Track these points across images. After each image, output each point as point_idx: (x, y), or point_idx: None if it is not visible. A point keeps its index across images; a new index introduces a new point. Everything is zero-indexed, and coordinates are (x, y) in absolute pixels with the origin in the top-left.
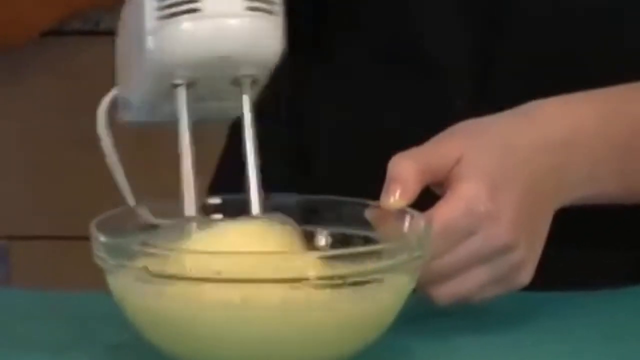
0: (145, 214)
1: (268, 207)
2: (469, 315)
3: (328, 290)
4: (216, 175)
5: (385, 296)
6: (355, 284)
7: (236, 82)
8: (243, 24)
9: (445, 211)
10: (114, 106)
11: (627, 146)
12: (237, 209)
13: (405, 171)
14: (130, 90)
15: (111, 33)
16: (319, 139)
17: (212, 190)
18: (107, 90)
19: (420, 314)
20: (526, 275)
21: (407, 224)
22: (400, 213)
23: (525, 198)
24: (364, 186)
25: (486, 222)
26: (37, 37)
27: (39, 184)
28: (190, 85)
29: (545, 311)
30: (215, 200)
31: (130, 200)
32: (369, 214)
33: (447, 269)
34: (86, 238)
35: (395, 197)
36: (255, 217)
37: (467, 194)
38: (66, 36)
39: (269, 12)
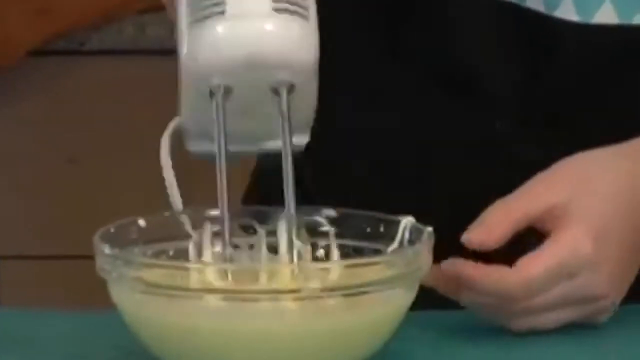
0: (187, 224)
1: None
2: (472, 333)
3: (324, 302)
4: (249, 187)
5: (381, 309)
6: (352, 295)
7: (276, 92)
8: (270, 24)
9: (549, 254)
10: (178, 134)
11: None
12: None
13: (495, 217)
14: (182, 111)
15: (96, 53)
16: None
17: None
18: (94, 109)
19: (420, 328)
20: (605, 317)
21: (406, 235)
22: (384, 221)
23: (626, 248)
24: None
25: (586, 271)
26: (23, 56)
27: (26, 203)
28: (227, 93)
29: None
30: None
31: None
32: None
33: (535, 308)
34: (76, 257)
35: (474, 235)
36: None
37: (573, 239)
38: (51, 56)
39: (299, 14)
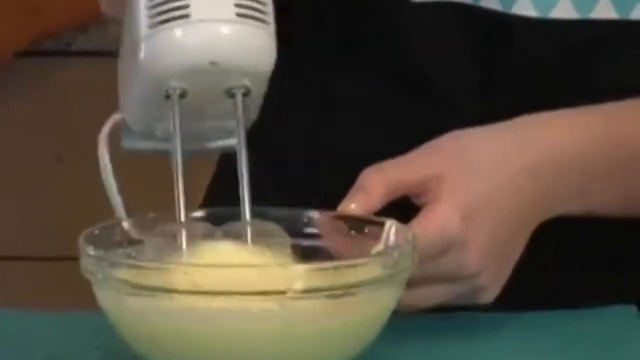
0: (134, 231)
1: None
2: (455, 332)
3: (310, 303)
4: (208, 192)
5: (368, 309)
6: (337, 296)
7: (230, 95)
8: (233, 30)
9: (417, 231)
10: (115, 132)
11: (621, 164)
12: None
13: (371, 183)
14: (127, 109)
15: (83, 54)
16: (312, 160)
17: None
18: (81, 110)
19: (406, 328)
20: (489, 296)
21: (392, 236)
22: (369, 222)
23: (503, 224)
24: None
25: (454, 248)
26: (10, 57)
27: (13, 203)
28: (182, 96)
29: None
30: (199, 214)
31: (124, 220)
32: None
33: (411, 280)
34: (66, 258)
35: (355, 205)
36: (249, 228)
37: (441, 217)
38: (38, 57)
39: (261, 20)
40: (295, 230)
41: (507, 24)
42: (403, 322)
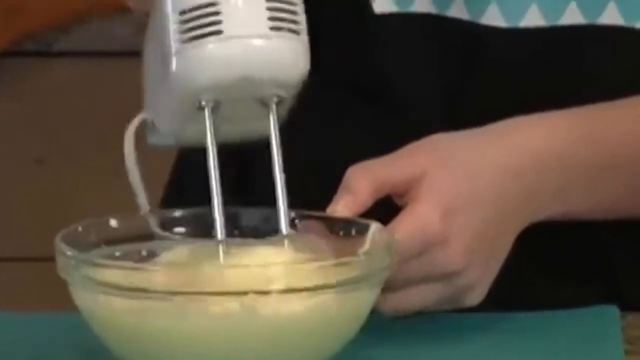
0: (153, 225)
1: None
2: (432, 328)
3: (295, 301)
4: (168, 189)
5: (347, 307)
6: (318, 295)
7: (262, 102)
8: (268, 45)
9: (402, 231)
10: (141, 129)
11: (602, 166)
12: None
13: (359, 184)
14: (157, 114)
15: (64, 54)
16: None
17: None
18: (62, 110)
19: (384, 325)
20: (476, 297)
21: (372, 236)
22: (356, 224)
23: (485, 223)
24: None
25: (436, 246)
26: None
27: (13, 188)
28: (215, 107)
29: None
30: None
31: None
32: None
33: (395, 283)
34: (47, 259)
35: (342, 206)
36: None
37: (422, 216)
38: (20, 57)
39: (294, 31)
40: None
41: (476, 35)
42: (388, 323)
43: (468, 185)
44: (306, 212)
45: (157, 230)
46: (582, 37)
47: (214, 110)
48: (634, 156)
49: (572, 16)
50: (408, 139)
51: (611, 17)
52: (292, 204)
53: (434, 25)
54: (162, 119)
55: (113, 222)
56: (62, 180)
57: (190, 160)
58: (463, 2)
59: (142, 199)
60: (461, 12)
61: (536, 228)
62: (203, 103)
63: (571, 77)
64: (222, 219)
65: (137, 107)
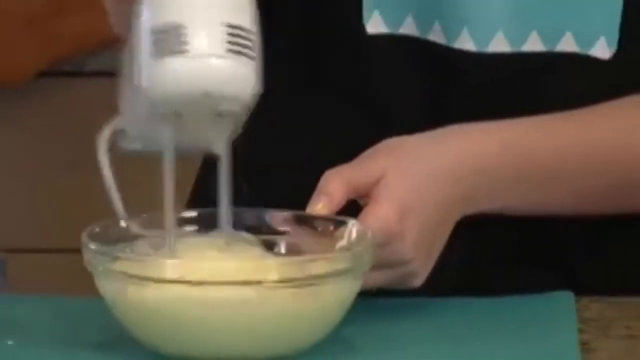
0: (134, 227)
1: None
2: (396, 312)
3: (283, 291)
4: (192, 195)
5: (331, 298)
6: (305, 286)
7: (218, 116)
8: (224, 64)
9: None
10: (114, 135)
11: (530, 169)
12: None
13: (333, 186)
14: (128, 121)
15: (94, 74)
16: (271, 173)
17: (190, 205)
18: (92, 123)
19: (363, 314)
20: (418, 282)
21: (354, 234)
22: (334, 221)
23: (430, 221)
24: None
25: (393, 240)
26: (32, 77)
27: (35, 202)
28: (177, 117)
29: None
30: (191, 214)
31: (122, 216)
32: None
33: None
34: (79, 250)
35: (321, 206)
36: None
37: (381, 214)
38: (56, 77)
39: (248, 55)
40: (268, 228)
41: (450, 57)
42: (365, 305)
43: (417, 189)
44: (292, 212)
45: (140, 231)
46: (542, 63)
47: (177, 119)
48: (566, 163)
49: (534, 43)
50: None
51: (568, 45)
52: (288, 201)
53: (417, 46)
54: (133, 126)
55: (129, 222)
56: (89, 183)
57: (213, 164)
58: (440, 27)
59: (117, 202)
60: (439, 37)
61: (496, 217)
62: (166, 113)
63: (533, 99)
64: (173, 214)
65: None
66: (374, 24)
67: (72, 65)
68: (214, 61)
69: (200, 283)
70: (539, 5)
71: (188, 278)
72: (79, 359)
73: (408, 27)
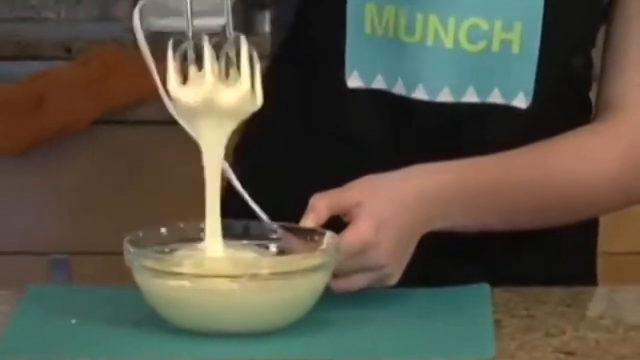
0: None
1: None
2: (370, 303)
3: (274, 281)
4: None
5: (309, 285)
6: (282, 278)
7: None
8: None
9: (347, 238)
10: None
11: (474, 199)
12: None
13: (320, 206)
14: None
15: (141, 122)
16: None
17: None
18: (138, 159)
19: (337, 300)
20: (392, 281)
21: (326, 240)
22: (318, 233)
23: (401, 234)
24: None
25: (371, 249)
26: (88, 124)
27: (93, 214)
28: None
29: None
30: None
31: (156, 79)
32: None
33: (343, 272)
34: (122, 253)
35: (310, 221)
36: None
37: (362, 229)
38: (108, 124)
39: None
40: (266, 236)
41: (409, 104)
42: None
43: (390, 209)
44: (287, 224)
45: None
46: (477, 110)
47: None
48: (505, 193)
49: (470, 96)
50: (362, 172)
51: (496, 97)
52: (285, 215)
53: (385, 96)
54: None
55: (162, 230)
56: (137, 202)
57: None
58: (402, 82)
59: (153, 70)
60: (401, 89)
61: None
62: None
63: (470, 135)
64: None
65: (193, 159)
66: (353, 80)
67: (121, 114)
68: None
69: (201, 276)
70: (475, 68)
71: (193, 273)
72: (122, 331)
73: (378, 83)
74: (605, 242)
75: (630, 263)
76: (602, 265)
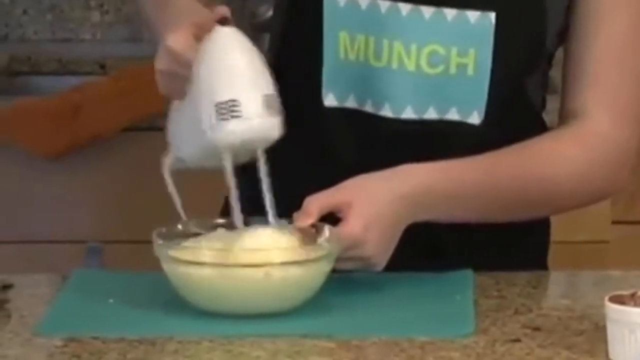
0: (191, 226)
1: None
2: (362, 288)
3: (290, 268)
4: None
5: (316, 273)
6: (296, 265)
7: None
8: (264, 122)
9: (340, 234)
10: (172, 159)
11: (452, 196)
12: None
13: (312, 206)
14: (187, 154)
15: (165, 129)
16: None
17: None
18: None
19: (337, 286)
20: (378, 269)
21: (327, 235)
22: (320, 228)
23: (387, 230)
24: None
25: (360, 243)
26: (117, 132)
27: (126, 206)
28: (230, 150)
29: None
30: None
31: (183, 216)
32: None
33: (337, 260)
34: (150, 242)
35: (303, 220)
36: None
37: (352, 228)
38: (135, 132)
39: (277, 113)
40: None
41: (377, 121)
42: (336, 280)
43: (376, 208)
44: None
45: (196, 229)
46: (437, 127)
47: (227, 151)
48: (480, 191)
49: (431, 113)
50: (341, 179)
51: (453, 115)
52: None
53: (356, 114)
54: (191, 158)
55: (186, 223)
56: (161, 199)
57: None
58: (371, 102)
59: (179, 206)
60: (370, 108)
61: (425, 223)
62: (225, 153)
63: (432, 153)
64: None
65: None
66: (329, 100)
67: (146, 122)
68: (258, 120)
69: (220, 265)
70: (435, 88)
71: (215, 262)
72: (152, 312)
73: (350, 102)
74: (560, 232)
75: (582, 251)
76: (556, 253)
